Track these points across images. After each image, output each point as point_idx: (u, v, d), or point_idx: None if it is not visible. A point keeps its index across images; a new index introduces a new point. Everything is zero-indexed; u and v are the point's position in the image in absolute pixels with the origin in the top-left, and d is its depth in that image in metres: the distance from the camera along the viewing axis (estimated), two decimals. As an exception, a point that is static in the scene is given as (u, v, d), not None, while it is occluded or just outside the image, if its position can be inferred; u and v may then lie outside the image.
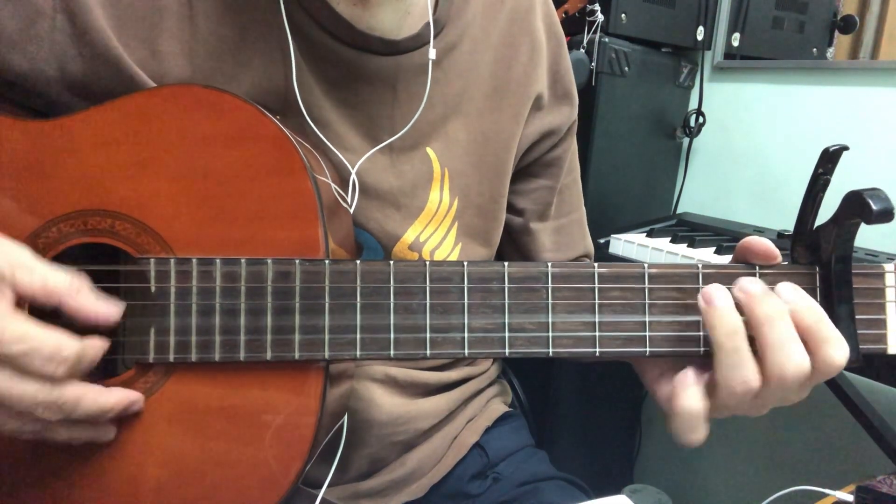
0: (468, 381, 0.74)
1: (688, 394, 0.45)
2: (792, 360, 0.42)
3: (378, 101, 0.59)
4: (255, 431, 0.47)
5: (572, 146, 0.77)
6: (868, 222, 0.43)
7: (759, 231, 1.24)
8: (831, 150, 0.44)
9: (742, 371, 0.43)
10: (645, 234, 1.24)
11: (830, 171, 0.45)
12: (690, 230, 1.27)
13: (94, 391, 0.44)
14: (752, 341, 0.44)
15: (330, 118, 0.58)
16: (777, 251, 0.47)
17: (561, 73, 0.72)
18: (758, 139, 1.48)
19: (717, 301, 0.43)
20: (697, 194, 1.60)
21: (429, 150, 0.63)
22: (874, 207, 0.42)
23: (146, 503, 0.47)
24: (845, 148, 0.44)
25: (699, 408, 0.45)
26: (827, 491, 0.66)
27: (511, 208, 0.74)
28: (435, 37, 0.61)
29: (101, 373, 0.47)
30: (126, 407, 0.46)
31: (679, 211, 1.59)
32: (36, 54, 0.50)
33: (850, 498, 0.63)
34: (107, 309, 0.45)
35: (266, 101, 0.55)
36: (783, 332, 0.43)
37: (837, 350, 0.43)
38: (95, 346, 0.44)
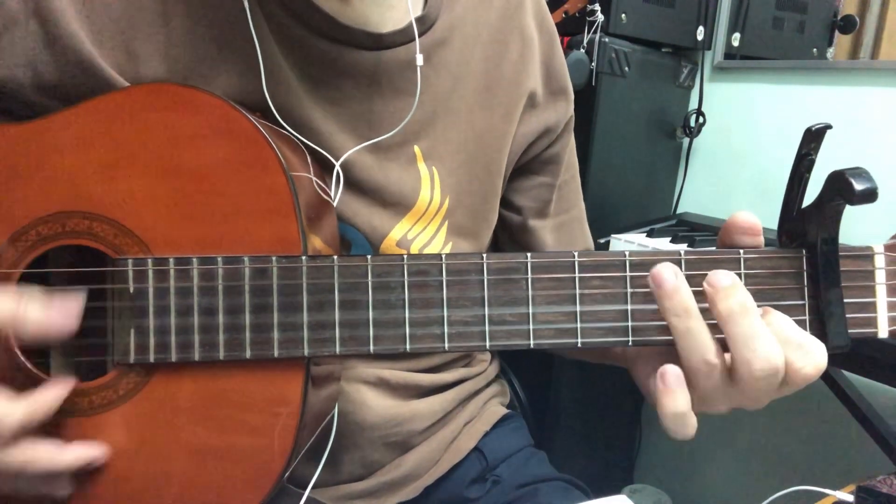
0: (464, 381, 0.73)
1: (671, 397, 0.43)
2: (758, 355, 0.41)
3: (361, 97, 0.58)
4: (237, 429, 0.46)
5: (570, 142, 0.76)
6: (851, 203, 0.41)
7: (759, 231, 1.24)
8: (814, 128, 0.43)
9: (698, 352, 0.42)
10: (645, 234, 1.24)
11: (815, 151, 0.44)
12: (690, 230, 1.27)
13: (46, 452, 0.43)
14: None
15: (313, 115, 0.57)
16: (760, 225, 0.46)
17: (555, 69, 0.70)
18: (758, 139, 1.48)
19: (665, 283, 0.42)
20: (697, 194, 1.60)
21: (416, 148, 0.62)
22: (856, 187, 0.40)
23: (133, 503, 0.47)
24: (829, 126, 0.43)
25: (684, 408, 0.43)
26: (827, 491, 0.66)
27: (510, 206, 0.73)
28: (424, 33, 0.60)
29: (89, 373, 0.47)
30: (84, 465, 0.45)
31: (679, 211, 1.59)
32: (10, 61, 0.50)
33: (850, 498, 0.63)
34: (60, 317, 0.43)
35: (246, 100, 0.54)
36: (746, 327, 0.41)
37: (807, 358, 0.42)
38: (49, 400, 0.43)
